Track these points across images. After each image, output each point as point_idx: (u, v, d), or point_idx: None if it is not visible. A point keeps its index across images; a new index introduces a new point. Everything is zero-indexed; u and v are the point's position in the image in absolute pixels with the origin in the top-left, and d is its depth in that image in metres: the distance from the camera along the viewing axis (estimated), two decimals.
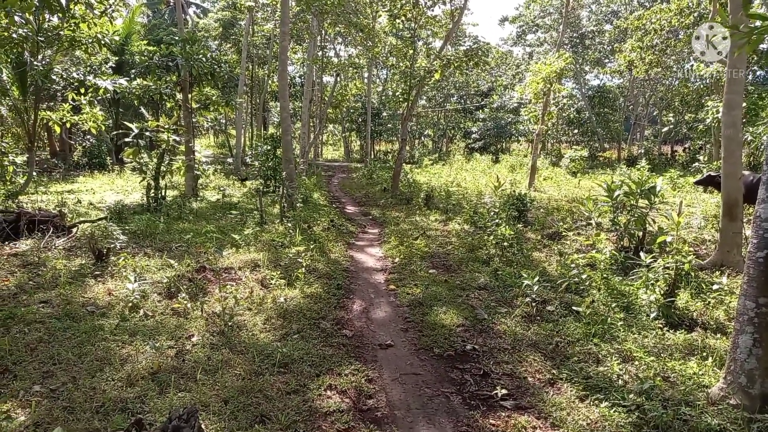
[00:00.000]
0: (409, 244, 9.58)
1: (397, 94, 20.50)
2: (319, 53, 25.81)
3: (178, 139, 12.25)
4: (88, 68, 21.63)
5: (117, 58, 24.20)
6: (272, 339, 5.06)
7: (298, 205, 12.82)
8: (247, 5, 24.34)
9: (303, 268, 6.98)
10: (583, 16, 38.76)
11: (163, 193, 12.36)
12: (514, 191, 12.63)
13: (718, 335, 5.41)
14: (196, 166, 15.23)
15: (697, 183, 15.11)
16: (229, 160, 29.15)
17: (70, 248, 7.95)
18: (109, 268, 6.87)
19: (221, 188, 14.88)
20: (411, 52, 19.13)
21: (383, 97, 42.17)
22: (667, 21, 25.31)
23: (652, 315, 5.80)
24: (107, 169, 22.16)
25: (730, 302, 6.32)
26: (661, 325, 5.58)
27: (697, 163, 24.23)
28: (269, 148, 17.17)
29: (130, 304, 5.47)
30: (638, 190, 8.54)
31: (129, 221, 10.14)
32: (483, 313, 6.02)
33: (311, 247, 8.81)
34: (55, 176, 20.77)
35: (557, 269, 7.74)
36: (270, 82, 31.53)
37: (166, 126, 11.89)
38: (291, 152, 14.00)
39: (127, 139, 12.18)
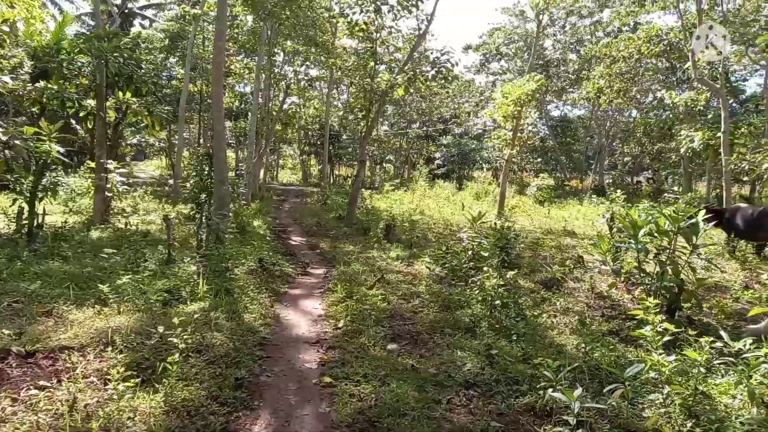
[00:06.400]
0: (362, 296, 6.95)
1: (356, 110, 18.14)
2: (275, 69, 23.30)
3: (62, 150, 9.34)
4: None
5: (33, 63, 20.98)
6: None
7: (227, 236, 10.03)
8: (192, 13, 21.78)
9: (177, 354, 4.19)
10: (547, 45, 37.97)
11: (39, 220, 9.40)
12: (494, 224, 10.28)
13: None
14: (109, 186, 12.23)
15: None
16: (171, 181, 26.07)
17: None
18: None
19: (126, 213, 11.92)
20: (372, 64, 16.89)
21: (343, 120, 40.00)
22: (636, 48, 24.29)
23: None
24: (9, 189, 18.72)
25: None
26: None
27: (666, 194, 22.95)
28: (203, 166, 14.40)
29: None
30: (674, 228, 6.24)
31: None
32: None
33: (218, 302, 6.10)
34: None
35: (579, 344, 5.25)
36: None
37: (46, 133, 8.99)
38: (225, 171, 11.35)
39: None
